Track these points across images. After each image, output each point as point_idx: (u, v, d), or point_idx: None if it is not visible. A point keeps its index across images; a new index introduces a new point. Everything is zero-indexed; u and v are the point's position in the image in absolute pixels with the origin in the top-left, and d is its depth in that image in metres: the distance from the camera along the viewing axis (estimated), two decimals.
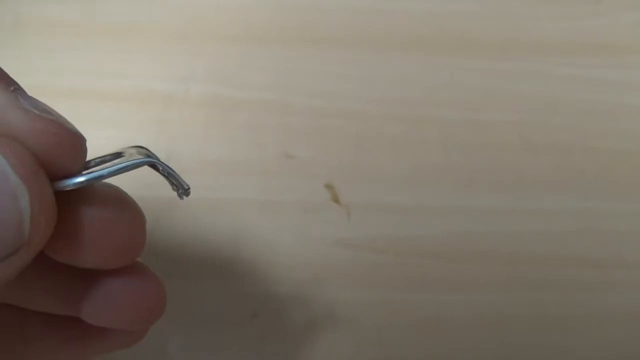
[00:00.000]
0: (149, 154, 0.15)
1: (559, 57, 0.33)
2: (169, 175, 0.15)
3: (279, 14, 0.33)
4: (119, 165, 0.14)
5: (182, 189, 0.16)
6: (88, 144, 0.14)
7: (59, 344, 0.19)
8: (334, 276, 0.27)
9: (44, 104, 0.14)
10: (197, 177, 0.29)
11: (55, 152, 0.13)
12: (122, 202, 0.16)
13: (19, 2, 0.33)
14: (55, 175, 0.13)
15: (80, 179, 0.13)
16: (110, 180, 0.14)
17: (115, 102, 0.30)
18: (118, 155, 0.15)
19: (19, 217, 0.12)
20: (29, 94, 0.14)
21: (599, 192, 0.29)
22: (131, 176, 0.26)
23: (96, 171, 0.14)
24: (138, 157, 0.15)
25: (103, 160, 0.15)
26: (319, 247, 0.28)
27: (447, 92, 0.32)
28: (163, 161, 0.15)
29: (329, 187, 0.29)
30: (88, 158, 0.15)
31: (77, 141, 0.14)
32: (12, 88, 0.13)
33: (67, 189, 0.13)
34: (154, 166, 0.15)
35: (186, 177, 0.29)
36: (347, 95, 0.31)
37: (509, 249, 0.28)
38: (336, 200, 0.29)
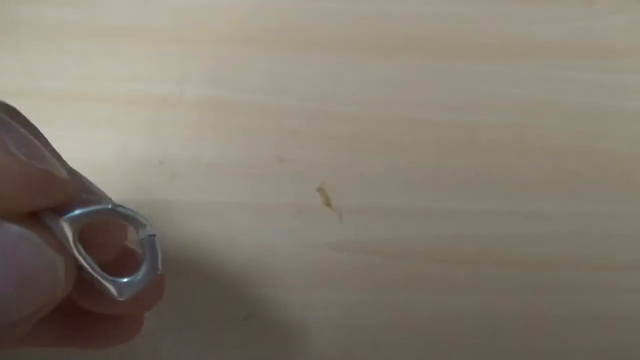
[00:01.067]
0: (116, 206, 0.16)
1: (553, 60, 0.33)
2: (127, 217, 0.16)
3: (273, 17, 0.34)
4: (88, 209, 0.15)
5: (142, 228, 0.16)
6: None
7: (53, 340, 0.19)
8: (327, 278, 0.27)
9: (33, 144, 0.14)
10: (190, 179, 0.29)
11: (40, 195, 0.14)
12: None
13: (16, 3, 0.33)
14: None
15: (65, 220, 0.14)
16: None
17: (111, 104, 0.31)
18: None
19: (55, 285, 0.14)
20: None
21: (592, 195, 0.30)
22: (128, 178, 0.26)
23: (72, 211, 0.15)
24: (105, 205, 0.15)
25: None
26: (312, 249, 0.28)
27: (440, 94, 0.32)
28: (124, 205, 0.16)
29: (321, 190, 0.29)
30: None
31: (62, 187, 0.15)
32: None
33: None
34: (113, 211, 0.15)
35: (180, 179, 0.29)
36: (340, 98, 0.31)
37: (502, 251, 0.28)
38: (328, 204, 0.29)
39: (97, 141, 0.29)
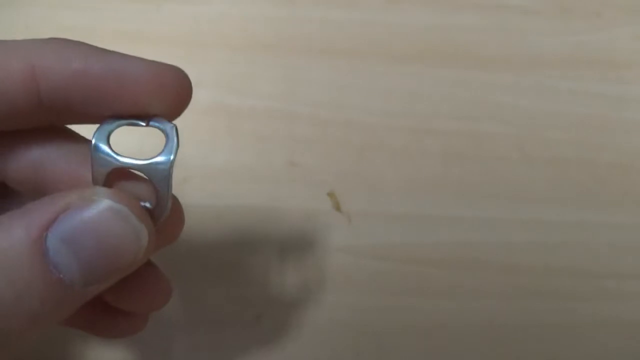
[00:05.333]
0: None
1: (558, 71, 0.33)
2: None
3: (286, 24, 0.34)
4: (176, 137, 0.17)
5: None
6: None
7: (74, 322, 0.20)
8: (335, 282, 0.27)
9: None
10: (203, 183, 0.29)
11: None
12: None
13: (29, 7, 0.33)
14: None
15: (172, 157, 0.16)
16: None
17: None
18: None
19: (137, 253, 0.15)
20: None
21: (594, 204, 0.30)
22: None
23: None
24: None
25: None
26: (321, 253, 0.28)
27: (447, 104, 0.32)
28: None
29: (330, 195, 0.29)
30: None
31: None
32: None
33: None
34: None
35: (193, 183, 0.30)
36: (350, 106, 0.32)
37: (505, 258, 0.28)
38: (338, 208, 0.29)
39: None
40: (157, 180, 0.17)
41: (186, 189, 0.29)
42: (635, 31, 0.35)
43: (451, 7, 0.35)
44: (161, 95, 0.17)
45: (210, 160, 0.30)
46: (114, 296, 0.19)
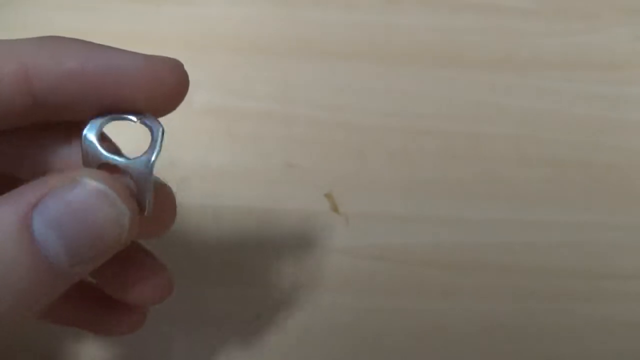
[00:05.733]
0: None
1: (557, 72, 0.33)
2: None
3: (283, 26, 0.34)
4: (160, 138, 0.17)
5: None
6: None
7: (70, 320, 0.21)
8: (333, 283, 0.28)
9: None
10: (200, 185, 0.29)
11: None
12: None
13: (27, 7, 0.33)
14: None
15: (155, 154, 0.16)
16: None
17: None
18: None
19: (121, 234, 0.15)
20: None
21: (593, 205, 0.30)
22: None
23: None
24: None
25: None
26: (319, 254, 0.28)
27: (445, 105, 0.32)
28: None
29: (328, 196, 0.29)
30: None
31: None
32: None
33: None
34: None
35: (190, 185, 0.30)
36: (348, 107, 0.32)
37: (503, 258, 0.28)
38: (335, 209, 0.29)
39: None
40: (138, 180, 0.17)
41: (184, 190, 0.29)
42: (633, 32, 0.35)
43: (450, 8, 0.35)
44: (157, 88, 0.17)
45: (208, 161, 0.30)
46: (115, 287, 0.19)
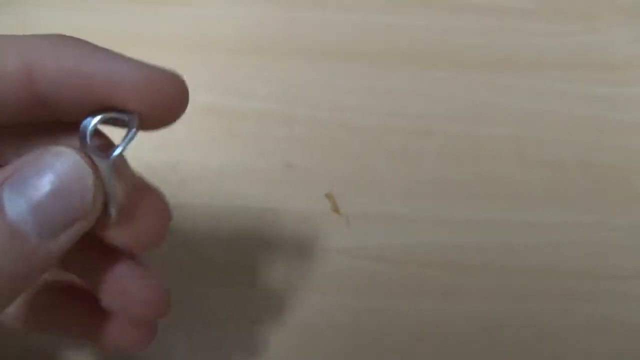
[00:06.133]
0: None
1: (556, 73, 0.33)
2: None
3: (283, 27, 0.34)
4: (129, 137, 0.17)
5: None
6: None
7: (74, 330, 0.21)
8: (333, 283, 0.28)
9: None
10: (200, 185, 0.29)
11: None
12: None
13: (28, 7, 0.33)
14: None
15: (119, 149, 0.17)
16: None
17: None
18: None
19: (89, 194, 0.16)
20: None
21: (591, 206, 0.30)
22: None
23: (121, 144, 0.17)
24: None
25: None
26: (319, 254, 0.28)
27: (444, 106, 0.32)
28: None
29: (329, 196, 0.29)
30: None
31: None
32: None
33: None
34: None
35: (190, 184, 0.30)
36: (348, 108, 0.32)
37: (503, 259, 0.28)
38: (336, 209, 0.29)
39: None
40: (103, 171, 0.17)
41: (184, 190, 0.29)
42: (633, 33, 0.35)
43: (450, 8, 0.35)
44: (155, 100, 0.17)
45: (208, 162, 0.30)
46: (108, 299, 0.19)
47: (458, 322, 0.27)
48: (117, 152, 0.17)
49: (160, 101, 0.17)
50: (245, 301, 0.27)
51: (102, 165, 0.17)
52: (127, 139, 0.17)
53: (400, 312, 0.27)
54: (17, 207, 0.15)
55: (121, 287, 0.19)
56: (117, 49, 0.33)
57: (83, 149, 0.16)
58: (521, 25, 0.35)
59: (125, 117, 0.17)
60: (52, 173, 0.15)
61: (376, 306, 0.27)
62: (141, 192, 0.18)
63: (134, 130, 0.17)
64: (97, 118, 0.17)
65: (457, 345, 0.27)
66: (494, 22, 0.35)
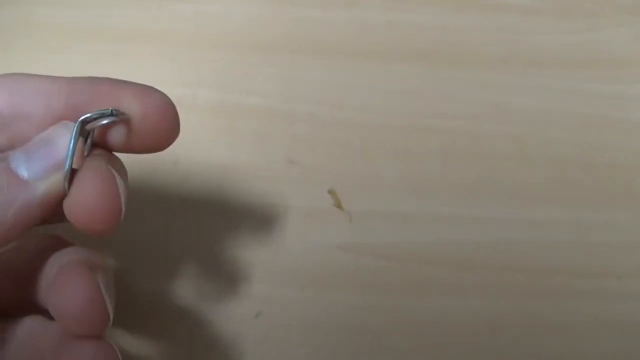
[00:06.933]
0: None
1: (558, 71, 0.33)
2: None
3: (286, 24, 0.34)
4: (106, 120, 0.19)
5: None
6: None
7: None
8: (335, 280, 0.28)
9: None
10: (202, 182, 0.29)
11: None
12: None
13: (30, 5, 0.33)
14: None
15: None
16: None
17: None
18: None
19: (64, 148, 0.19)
20: None
21: (593, 204, 0.30)
22: (143, 178, 0.26)
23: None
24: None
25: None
26: (321, 251, 0.28)
27: (447, 103, 0.32)
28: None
29: (331, 193, 0.29)
30: None
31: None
32: None
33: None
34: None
35: (191, 181, 0.30)
36: (350, 105, 0.32)
37: (505, 257, 0.28)
38: (339, 205, 0.29)
39: None
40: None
41: (186, 187, 0.29)
42: (635, 31, 0.35)
43: (452, 6, 0.35)
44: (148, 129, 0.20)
45: (209, 159, 0.30)
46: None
47: (459, 319, 0.27)
48: (82, 117, 0.19)
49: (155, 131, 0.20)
50: (248, 296, 0.27)
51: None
52: (98, 114, 0.19)
53: (402, 310, 0.27)
54: (17, 160, 0.18)
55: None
56: (118, 45, 0.33)
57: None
58: (524, 23, 0.35)
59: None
60: (46, 134, 0.19)
61: (377, 303, 0.27)
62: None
63: (112, 118, 0.19)
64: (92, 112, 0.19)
65: (458, 343, 0.27)
66: (496, 20, 0.35)
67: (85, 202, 0.18)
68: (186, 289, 0.27)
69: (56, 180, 0.18)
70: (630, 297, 0.28)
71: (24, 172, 0.18)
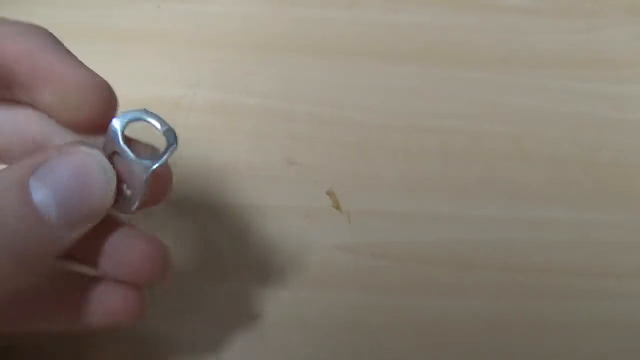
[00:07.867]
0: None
1: (557, 70, 0.34)
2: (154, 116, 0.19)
3: (286, 24, 0.34)
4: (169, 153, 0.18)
5: (163, 125, 0.19)
6: None
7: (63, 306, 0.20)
8: (334, 280, 0.28)
9: None
10: (201, 181, 0.29)
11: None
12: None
13: (30, 5, 0.34)
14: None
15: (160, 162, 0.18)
16: None
17: (122, 107, 0.31)
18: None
19: (108, 193, 0.17)
20: None
21: (593, 203, 0.30)
22: None
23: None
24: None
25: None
26: (320, 251, 0.28)
27: (446, 102, 0.32)
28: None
29: (330, 193, 0.29)
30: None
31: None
32: None
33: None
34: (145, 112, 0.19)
35: (191, 181, 0.30)
36: (349, 105, 0.32)
37: (504, 256, 0.28)
38: (337, 206, 0.29)
39: None
40: (136, 176, 0.18)
41: (185, 187, 0.29)
42: (634, 31, 0.35)
43: (452, 6, 0.35)
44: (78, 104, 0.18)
45: (209, 159, 0.30)
46: (106, 261, 0.19)
47: (459, 319, 0.27)
48: (157, 164, 0.18)
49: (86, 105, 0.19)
50: (247, 296, 0.27)
51: (135, 168, 0.18)
52: (169, 153, 0.18)
53: (402, 309, 0.27)
54: (42, 195, 0.16)
55: (121, 246, 0.19)
56: (118, 45, 0.33)
57: (111, 146, 0.18)
58: (524, 23, 0.35)
59: (156, 124, 0.18)
60: (77, 169, 0.17)
61: (377, 303, 0.27)
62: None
63: (174, 145, 0.18)
64: (127, 119, 0.18)
65: (458, 342, 0.27)
66: (495, 19, 0.35)
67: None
68: (185, 290, 0.27)
69: (92, 224, 0.17)
70: (630, 297, 0.28)
71: (52, 216, 0.16)
